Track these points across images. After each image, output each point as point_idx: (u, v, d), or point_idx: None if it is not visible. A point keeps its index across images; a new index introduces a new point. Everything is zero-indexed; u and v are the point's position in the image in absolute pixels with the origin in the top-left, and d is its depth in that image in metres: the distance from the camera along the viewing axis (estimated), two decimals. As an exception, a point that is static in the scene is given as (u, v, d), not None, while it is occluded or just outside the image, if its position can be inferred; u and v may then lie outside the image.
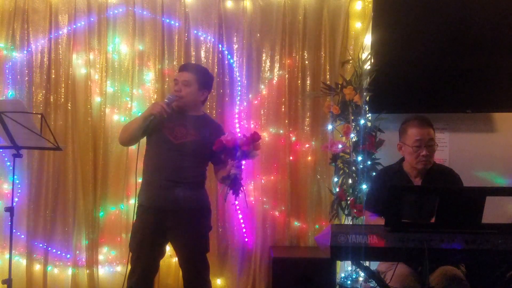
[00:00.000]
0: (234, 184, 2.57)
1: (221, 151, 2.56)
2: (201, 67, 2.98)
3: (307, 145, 3.68)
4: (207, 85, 2.82)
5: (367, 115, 3.39)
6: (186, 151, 2.65)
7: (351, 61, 3.54)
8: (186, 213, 2.67)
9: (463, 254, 1.95)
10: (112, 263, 3.66)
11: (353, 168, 3.33)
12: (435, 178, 2.67)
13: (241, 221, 3.66)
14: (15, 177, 2.93)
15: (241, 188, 2.60)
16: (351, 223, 3.34)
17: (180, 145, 2.65)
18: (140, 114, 2.90)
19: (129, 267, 2.70)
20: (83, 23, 3.64)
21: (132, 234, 2.74)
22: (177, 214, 2.65)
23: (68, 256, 3.64)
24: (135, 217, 2.74)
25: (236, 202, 2.59)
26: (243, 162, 2.63)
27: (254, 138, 2.53)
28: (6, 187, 3.64)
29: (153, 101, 3.57)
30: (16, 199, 3.46)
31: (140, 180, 2.80)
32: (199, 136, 2.68)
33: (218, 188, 3.45)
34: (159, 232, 2.66)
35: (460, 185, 2.69)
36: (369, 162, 3.32)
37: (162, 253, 2.77)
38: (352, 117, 3.35)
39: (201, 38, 3.67)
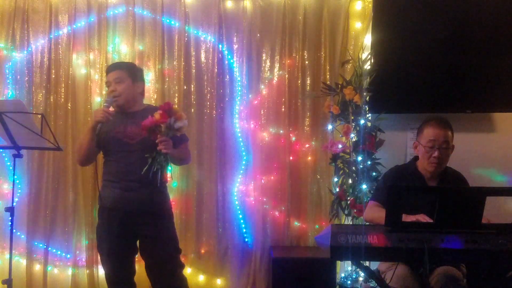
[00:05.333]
0: (156, 159, 2.50)
1: (148, 134, 2.50)
2: (128, 62, 3.04)
3: (307, 145, 3.68)
4: (139, 76, 2.81)
5: (367, 115, 3.39)
6: (144, 149, 2.60)
7: (351, 61, 3.53)
8: (152, 215, 2.66)
9: (463, 254, 1.95)
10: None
11: (353, 168, 3.33)
12: (450, 183, 2.65)
13: (241, 221, 3.67)
14: (15, 177, 2.93)
15: (166, 163, 2.52)
16: (351, 223, 3.33)
17: (138, 143, 2.63)
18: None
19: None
20: (83, 23, 3.64)
21: (97, 237, 2.75)
22: (143, 216, 2.64)
23: (68, 256, 3.64)
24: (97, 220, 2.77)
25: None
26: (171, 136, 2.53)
27: (167, 109, 2.47)
28: (6, 187, 3.64)
29: (153, 101, 3.57)
30: (16, 199, 3.45)
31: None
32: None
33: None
34: (125, 232, 2.66)
35: None
36: (369, 162, 3.32)
37: (132, 250, 2.76)
38: (352, 117, 3.35)
39: (201, 38, 3.67)
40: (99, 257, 3.54)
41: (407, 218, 2.43)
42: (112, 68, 2.79)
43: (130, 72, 2.74)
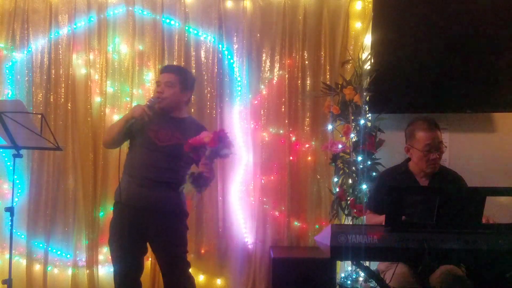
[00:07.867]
0: (197, 181, 2.48)
1: (191, 151, 2.51)
2: (184, 69, 3.04)
3: (307, 145, 3.68)
4: (190, 86, 2.83)
5: (367, 115, 3.39)
6: (170, 154, 2.66)
7: (351, 61, 3.53)
8: (166, 214, 2.67)
9: (463, 254, 1.95)
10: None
11: (353, 168, 3.33)
12: (442, 180, 2.66)
13: (241, 221, 3.66)
14: (15, 177, 2.93)
15: (204, 187, 2.51)
16: (351, 223, 3.33)
17: (165, 147, 2.66)
18: (121, 117, 2.86)
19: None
20: (83, 23, 3.64)
21: (110, 232, 2.74)
22: (156, 214, 2.65)
23: (68, 256, 3.64)
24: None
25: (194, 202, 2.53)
26: (214, 160, 2.53)
27: (219, 136, 2.44)
28: (6, 187, 3.64)
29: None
30: (16, 199, 3.45)
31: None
32: (184, 140, 2.62)
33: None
34: (137, 229, 2.66)
35: None
36: (369, 162, 3.32)
37: (143, 250, 2.76)
38: (352, 117, 3.35)
39: (201, 38, 3.67)
40: (99, 257, 3.61)
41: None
42: (167, 70, 2.83)
43: (182, 79, 2.76)
